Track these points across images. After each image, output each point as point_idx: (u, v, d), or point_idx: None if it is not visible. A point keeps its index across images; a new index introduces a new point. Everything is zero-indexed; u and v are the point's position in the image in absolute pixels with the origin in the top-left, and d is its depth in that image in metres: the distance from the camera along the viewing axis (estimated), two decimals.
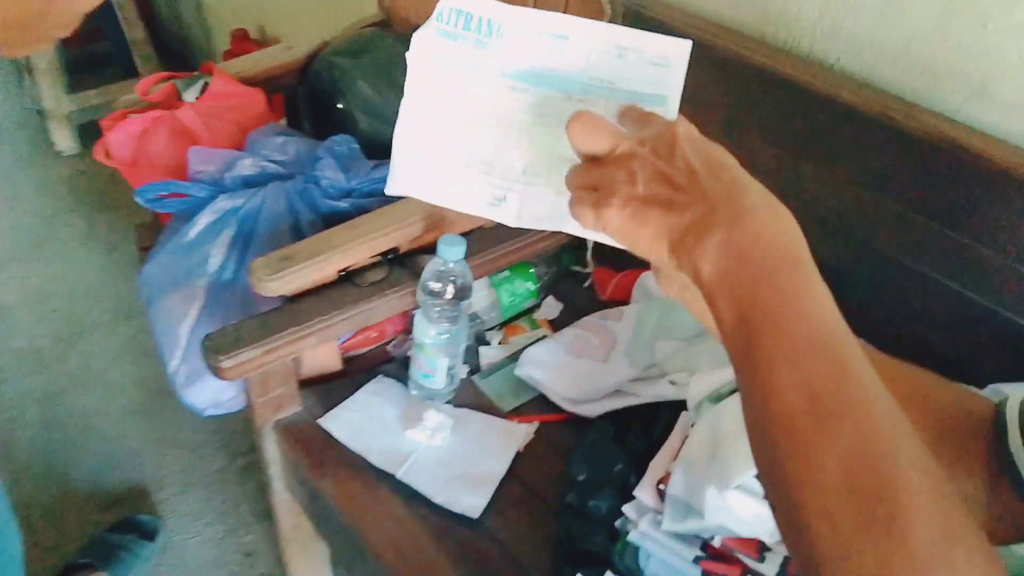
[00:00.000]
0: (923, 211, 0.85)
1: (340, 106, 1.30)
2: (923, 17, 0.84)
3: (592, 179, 0.51)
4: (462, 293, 0.99)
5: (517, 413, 1.06)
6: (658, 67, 0.58)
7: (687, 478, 0.80)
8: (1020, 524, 0.55)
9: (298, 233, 1.08)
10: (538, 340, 1.14)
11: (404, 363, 1.12)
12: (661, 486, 0.83)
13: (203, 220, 1.07)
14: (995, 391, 0.79)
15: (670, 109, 0.58)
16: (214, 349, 0.91)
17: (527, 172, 0.60)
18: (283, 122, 1.50)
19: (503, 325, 1.18)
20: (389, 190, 0.61)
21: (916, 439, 0.40)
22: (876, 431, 0.40)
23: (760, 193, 0.47)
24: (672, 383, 0.97)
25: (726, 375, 0.88)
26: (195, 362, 1.05)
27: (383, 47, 1.32)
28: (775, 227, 0.45)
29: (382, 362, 1.14)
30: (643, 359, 1.00)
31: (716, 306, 0.45)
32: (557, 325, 1.17)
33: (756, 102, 0.96)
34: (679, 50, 0.58)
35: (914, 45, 0.86)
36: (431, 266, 0.99)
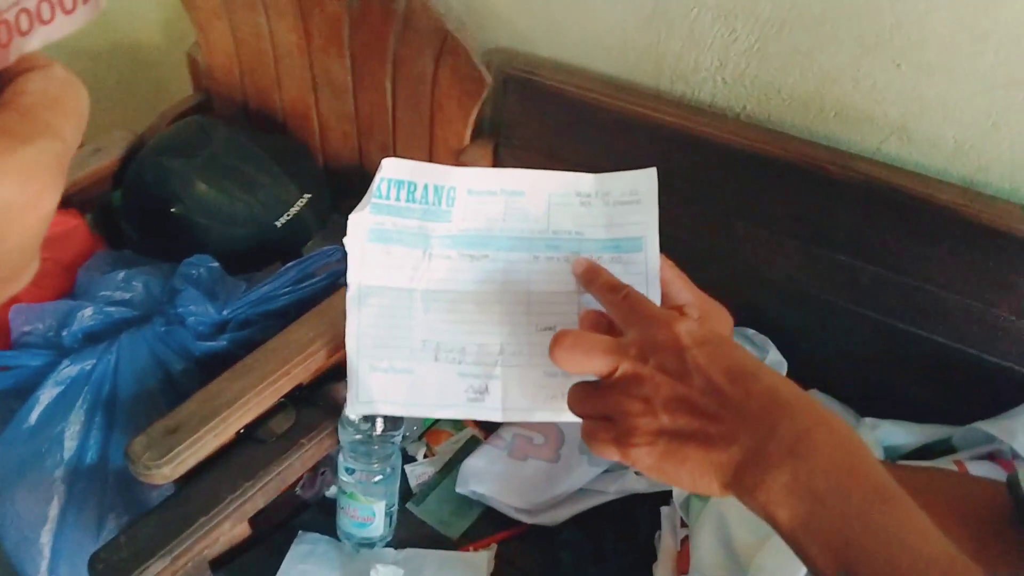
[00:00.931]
0: (866, 258, 0.83)
1: (176, 212, 1.11)
2: (834, 61, 0.82)
3: (600, 407, 0.44)
4: (394, 422, 0.85)
5: (467, 538, 0.94)
6: (627, 205, 0.54)
7: None
8: None
9: (172, 389, 0.90)
10: (468, 444, 1.02)
11: (323, 506, 0.97)
12: None
13: (46, 395, 0.86)
14: (972, 430, 0.78)
15: (650, 254, 0.52)
16: (111, 572, 0.71)
17: (505, 351, 0.52)
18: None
19: (423, 434, 1.06)
20: (351, 410, 0.51)
21: None
22: None
23: (806, 406, 0.40)
24: (638, 474, 0.90)
25: None
26: (68, 573, 0.84)
27: (218, 139, 1.14)
28: (843, 451, 0.39)
29: (294, 511, 0.98)
30: None
31: (806, 554, 0.38)
32: (483, 421, 1.06)
33: (671, 165, 0.89)
34: (646, 181, 0.53)
35: (826, 89, 0.84)
36: None
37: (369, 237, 0.53)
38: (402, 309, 0.52)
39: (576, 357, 0.44)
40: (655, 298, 0.54)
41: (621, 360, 0.43)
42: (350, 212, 1.24)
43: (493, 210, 0.53)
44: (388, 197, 0.53)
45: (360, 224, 0.52)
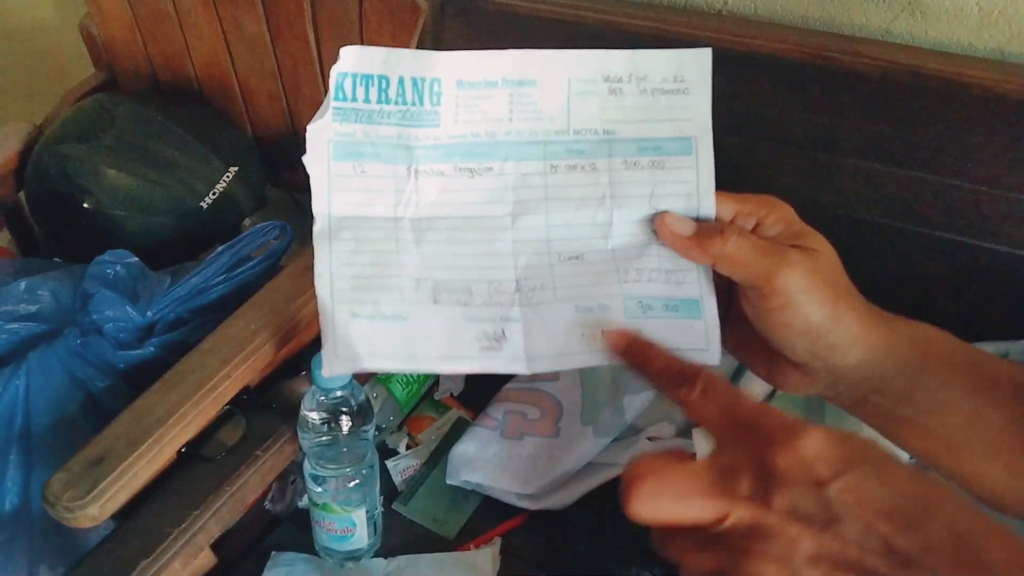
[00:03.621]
0: (889, 160, 0.71)
1: (87, 206, 0.97)
2: None
3: (710, 564, 0.31)
4: (363, 416, 0.73)
5: (466, 534, 0.82)
6: (670, 95, 0.43)
7: None
8: None
9: (96, 411, 0.77)
10: (455, 428, 0.91)
11: (297, 519, 0.85)
12: None
13: None
14: None
15: (702, 159, 0.43)
16: None
17: (523, 288, 0.41)
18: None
19: (402, 422, 0.93)
20: (330, 369, 0.40)
21: None
22: None
23: (1003, 549, 0.29)
24: (651, 439, 0.78)
25: None
26: None
27: (122, 117, 0.99)
28: None
29: (265, 530, 0.85)
30: (611, 423, 0.80)
31: None
32: (468, 400, 0.94)
33: None
34: (697, 64, 0.42)
35: None
36: (309, 401, 0.72)
37: (335, 153, 0.41)
38: (386, 243, 0.42)
39: (664, 506, 0.32)
40: (708, 216, 0.43)
41: (731, 504, 0.31)
42: (287, 184, 1.11)
43: (494, 107, 0.42)
44: (354, 98, 0.41)
45: (321, 136, 0.41)
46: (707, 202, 0.43)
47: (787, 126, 0.73)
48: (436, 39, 0.88)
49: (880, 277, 0.74)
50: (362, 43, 0.89)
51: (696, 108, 0.43)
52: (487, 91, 0.42)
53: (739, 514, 0.31)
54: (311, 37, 0.94)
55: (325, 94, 1.00)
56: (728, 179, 0.76)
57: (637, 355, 0.40)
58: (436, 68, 0.42)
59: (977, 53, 0.70)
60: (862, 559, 0.29)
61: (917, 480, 0.30)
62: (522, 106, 0.42)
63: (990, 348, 0.70)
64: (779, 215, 0.43)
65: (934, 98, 0.67)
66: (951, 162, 0.68)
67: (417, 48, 0.86)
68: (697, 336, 0.43)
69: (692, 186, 0.43)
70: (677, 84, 0.42)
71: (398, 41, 0.86)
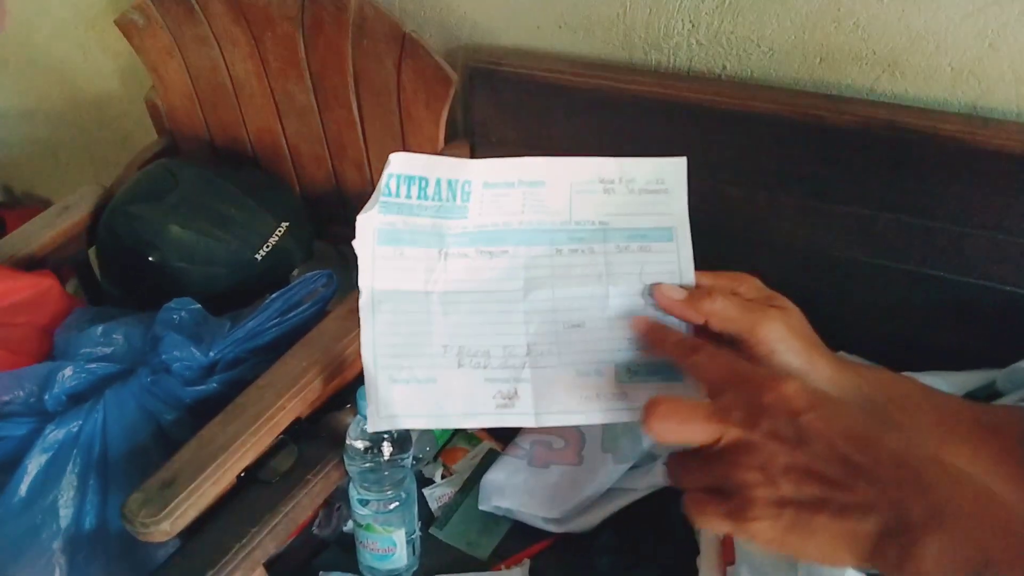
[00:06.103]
0: (875, 205, 0.78)
1: (153, 259, 1.07)
2: (811, 3, 0.78)
3: (706, 479, 0.40)
4: (402, 444, 0.81)
5: (498, 556, 0.88)
6: (654, 194, 0.51)
7: None
8: None
9: (164, 440, 0.85)
10: (486, 458, 0.97)
11: (342, 543, 0.92)
12: None
13: (34, 464, 0.82)
14: (1015, 371, 0.73)
15: (681, 243, 0.50)
16: None
17: (532, 352, 0.48)
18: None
19: (437, 453, 1.01)
20: (373, 426, 0.47)
21: None
22: None
23: (937, 466, 0.37)
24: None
25: None
26: None
27: (185, 179, 1.10)
28: (989, 512, 0.36)
29: (313, 553, 0.93)
30: (629, 450, 0.86)
31: None
32: (498, 433, 1.01)
33: (654, 136, 0.86)
34: (674, 171, 0.51)
35: (807, 34, 0.80)
36: (354, 429, 0.80)
37: (379, 239, 0.49)
38: (419, 314, 0.49)
39: (672, 426, 0.41)
40: (690, 287, 0.51)
41: (725, 427, 0.40)
42: (332, 238, 1.21)
43: (511, 203, 0.50)
44: (398, 195, 0.49)
45: (368, 225, 0.49)
46: (688, 277, 0.51)
47: (782, 177, 0.81)
48: (466, 107, 0.98)
49: (871, 311, 0.81)
50: (399, 111, 0.99)
51: (674, 205, 0.51)
52: (506, 190, 0.50)
53: (731, 435, 0.39)
54: (354, 106, 1.04)
55: (367, 156, 1.11)
56: (731, 225, 0.84)
57: (656, 334, 0.48)
58: (468, 173, 0.50)
59: (952, 108, 0.77)
60: (824, 470, 0.37)
61: (872, 417, 0.40)
62: (533, 202, 0.50)
63: (977, 376, 0.76)
64: (750, 284, 0.51)
65: (913, 149, 0.74)
66: (931, 206, 0.75)
67: (448, 113, 0.96)
68: (676, 396, 0.50)
69: (674, 265, 0.51)
70: (658, 186, 0.51)
71: (432, 108, 0.95)
